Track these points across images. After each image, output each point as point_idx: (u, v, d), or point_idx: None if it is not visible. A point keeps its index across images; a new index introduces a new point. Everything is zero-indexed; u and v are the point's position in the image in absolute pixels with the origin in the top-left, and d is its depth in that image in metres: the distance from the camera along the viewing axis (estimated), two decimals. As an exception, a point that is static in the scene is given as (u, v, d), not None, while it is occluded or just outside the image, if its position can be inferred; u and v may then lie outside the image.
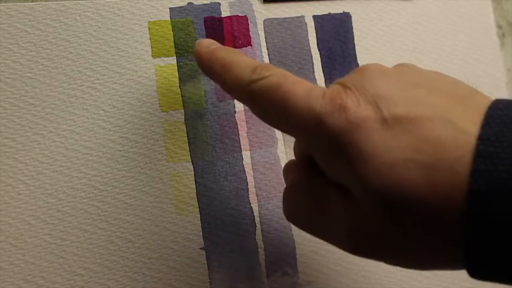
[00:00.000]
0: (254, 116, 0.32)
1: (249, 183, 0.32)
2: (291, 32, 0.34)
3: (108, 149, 0.30)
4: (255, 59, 0.33)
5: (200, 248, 0.30)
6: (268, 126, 0.32)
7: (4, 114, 0.28)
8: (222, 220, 0.31)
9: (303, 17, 0.34)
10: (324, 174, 0.23)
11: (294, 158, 0.28)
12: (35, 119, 0.29)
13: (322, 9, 0.35)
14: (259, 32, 0.33)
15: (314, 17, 0.34)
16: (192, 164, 0.31)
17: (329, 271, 0.32)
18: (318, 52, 0.34)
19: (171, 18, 0.31)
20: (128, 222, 0.29)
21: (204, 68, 0.28)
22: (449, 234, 0.20)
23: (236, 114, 0.32)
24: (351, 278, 0.33)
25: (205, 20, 0.32)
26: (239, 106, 0.32)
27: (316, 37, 0.34)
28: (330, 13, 0.35)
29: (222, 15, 0.32)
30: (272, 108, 0.24)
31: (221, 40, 0.32)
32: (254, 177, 0.32)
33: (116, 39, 0.30)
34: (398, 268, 0.33)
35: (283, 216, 0.31)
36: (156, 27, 0.31)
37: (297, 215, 0.26)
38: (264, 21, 0.33)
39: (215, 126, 0.31)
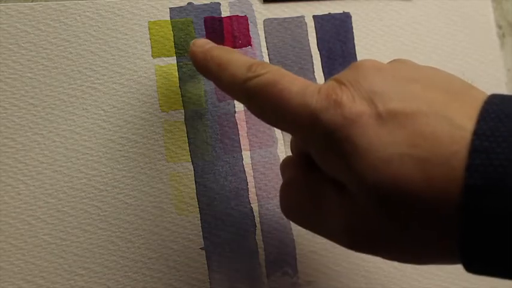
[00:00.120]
0: (254, 116, 0.32)
1: (249, 183, 0.32)
2: (291, 32, 0.34)
3: (108, 149, 0.30)
4: (255, 59, 0.33)
5: (200, 248, 0.30)
6: (268, 126, 0.32)
7: (4, 114, 0.28)
8: (222, 220, 0.31)
9: (303, 17, 0.34)
10: (320, 170, 0.24)
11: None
12: (35, 119, 0.29)
13: (322, 9, 0.35)
14: (259, 32, 0.33)
15: (314, 17, 0.34)
16: (192, 164, 0.31)
17: (329, 271, 0.32)
18: (318, 52, 0.34)
19: (171, 18, 0.31)
20: (128, 222, 0.29)
21: (199, 68, 0.28)
22: (445, 228, 0.20)
23: (236, 114, 0.32)
24: (351, 278, 0.33)
25: (205, 20, 0.32)
26: (239, 106, 0.32)
27: (316, 37, 0.34)
28: (330, 13, 0.35)
29: (222, 15, 0.32)
30: (268, 105, 0.24)
31: (221, 40, 0.32)
32: (254, 177, 0.32)
33: (116, 39, 0.30)
34: (399, 268, 0.33)
35: (283, 216, 0.31)
36: (156, 27, 0.31)
37: (293, 210, 0.26)
38: (264, 21, 0.33)
39: (215, 126, 0.31)
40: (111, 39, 0.30)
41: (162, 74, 0.31)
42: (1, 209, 0.28)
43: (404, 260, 0.23)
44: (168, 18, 0.31)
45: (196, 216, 0.30)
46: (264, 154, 0.32)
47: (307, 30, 0.34)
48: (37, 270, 0.28)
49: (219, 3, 0.32)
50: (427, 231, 0.20)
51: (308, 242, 0.32)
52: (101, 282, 0.29)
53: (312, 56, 0.34)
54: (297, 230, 0.32)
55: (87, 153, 0.29)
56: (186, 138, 0.31)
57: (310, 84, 0.23)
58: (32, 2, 0.30)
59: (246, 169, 0.32)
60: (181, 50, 0.31)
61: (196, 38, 0.32)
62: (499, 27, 0.39)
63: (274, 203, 0.32)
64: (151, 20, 0.31)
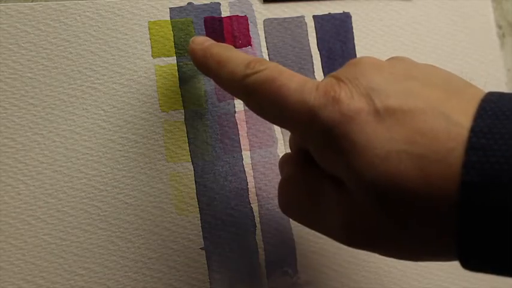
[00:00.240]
0: (254, 116, 0.32)
1: (249, 183, 0.32)
2: (291, 32, 0.34)
3: (108, 149, 0.30)
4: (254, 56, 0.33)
5: (200, 248, 0.30)
6: (268, 126, 0.32)
7: (4, 114, 0.28)
8: (222, 220, 0.31)
9: (303, 17, 0.34)
10: (318, 166, 0.24)
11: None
12: (35, 119, 0.29)
13: (322, 9, 0.35)
14: (259, 32, 0.33)
15: (314, 17, 0.34)
16: (192, 164, 0.31)
17: (329, 271, 0.32)
18: (318, 52, 0.34)
19: (171, 18, 0.31)
20: (128, 222, 0.29)
21: (199, 65, 0.28)
22: (443, 225, 0.20)
23: (236, 114, 0.32)
24: (351, 278, 0.33)
25: (205, 20, 0.32)
26: (239, 106, 0.32)
27: (316, 37, 0.34)
28: (330, 13, 0.35)
29: (222, 15, 0.32)
30: (266, 102, 0.24)
31: (221, 40, 0.32)
32: (254, 177, 0.32)
33: (116, 39, 0.30)
34: (399, 268, 0.33)
35: (284, 216, 0.31)
36: (156, 27, 0.31)
37: (291, 207, 0.26)
38: (264, 21, 0.33)
39: (215, 126, 0.31)
40: (111, 39, 0.30)
41: (162, 74, 0.31)
42: (1, 209, 0.28)
43: (402, 257, 0.23)
44: (168, 18, 0.31)
45: (196, 216, 0.30)
46: (264, 154, 0.32)
47: (307, 30, 0.34)
48: (37, 270, 0.28)
49: (219, 3, 0.32)
50: (425, 228, 0.20)
51: (308, 242, 0.32)
52: (101, 282, 0.29)
53: (312, 56, 0.34)
54: (297, 230, 0.32)
55: (87, 153, 0.29)
56: (186, 138, 0.31)
57: (309, 81, 0.23)
58: (32, 2, 0.30)
59: (246, 169, 0.32)
60: (181, 50, 0.31)
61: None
62: (499, 27, 0.39)
63: (274, 203, 0.32)
64: (151, 20, 0.31)
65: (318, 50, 0.34)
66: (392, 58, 0.25)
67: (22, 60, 0.29)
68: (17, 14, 0.29)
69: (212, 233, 0.31)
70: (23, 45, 0.29)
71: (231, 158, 0.31)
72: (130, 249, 0.29)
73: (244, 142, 0.32)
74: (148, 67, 0.31)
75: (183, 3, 0.32)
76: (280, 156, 0.29)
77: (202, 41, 0.28)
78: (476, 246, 0.19)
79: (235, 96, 0.27)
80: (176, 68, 0.31)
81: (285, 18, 0.34)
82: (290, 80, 0.23)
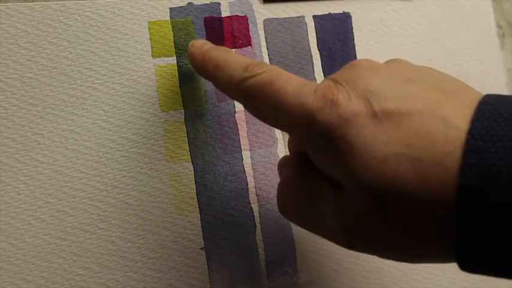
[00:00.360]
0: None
1: (249, 183, 0.32)
2: (291, 32, 0.34)
3: (108, 149, 0.30)
4: (255, 59, 0.33)
5: (200, 248, 0.30)
6: (268, 126, 0.32)
7: (4, 114, 0.28)
8: (222, 220, 0.31)
9: (303, 17, 0.34)
10: (317, 169, 0.24)
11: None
12: (35, 119, 0.29)
13: (322, 9, 0.35)
14: (259, 32, 0.33)
15: (314, 17, 0.34)
16: (192, 164, 0.31)
17: (329, 271, 0.32)
18: (318, 52, 0.34)
19: (171, 18, 0.31)
20: (128, 222, 0.29)
21: (198, 69, 0.28)
22: (441, 227, 0.20)
23: (236, 114, 0.32)
24: (351, 278, 0.33)
25: (205, 20, 0.32)
26: (239, 106, 0.32)
27: (316, 37, 0.34)
28: (330, 13, 0.35)
29: (222, 15, 0.32)
30: (265, 105, 0.24)
31: (221, 40, 0.32)
32: (254, 177, 0.32)
33: (116, 39, 0.30)
34: (399, 268, 0.33)
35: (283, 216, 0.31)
36: (156, 27, 0.31)
37: (290, 209, 0.26)
38: (264, 21, 0.33)
39: (215, 126, 0.31)
40: (111, 39, 0.30)
41: (162, 74, 0.31)
42: (1, 209, 0.28)
43: (401, 259, 0.23)
44: (168, 18, 0.31)
45: (196, 216, 0.30)
46: (264, 154, 0.32)
47: (307, 30, 0.34)
48: (37, 270, 0.28)
49: (219, 3, 0.32)
50: (423, 230, 0.20)
51: (308, 242, 0.32)
52: (101, 282, 0.29)
53: (312, 56, 0.34)
54: (297, 230, 0.32)
55: (87, 153, 0.29)
56: (186, 138, 0.31)
57: (306, 84, 0.23)
58: (32, 2, 0.30)
59: (246, 169, 0.32)
60: (181, 50, 0.31)
61: (196, 38, 0.32)
62: (499, 27, 0.39)
63: (274, 203, 0.32)
64: (151, 20, 0.31)
65: (318, 50, 0.34)
66: (389, 60, 0.25)
67: (22, 60, 0.29)
68: (17, 14, 0.29)
69: (212, 233, 0.31)
70: (23, 45, 0.29)
71: (231, 158, 0.31)
72: (130, 249, 0.29)
73: (244, 142, 0.32)
74: (148, 67, 0.31)
75: (183, 3, 0.32)
76: (280, 156, 0.29)
77: (201, 45, 0.28)
78: (474, 249, 0.19)
79: (234, 99, 0.27)
80: (176, 68, 0.31)
81: (285, 18, 0.34)
82: (288, 83, 0.23)
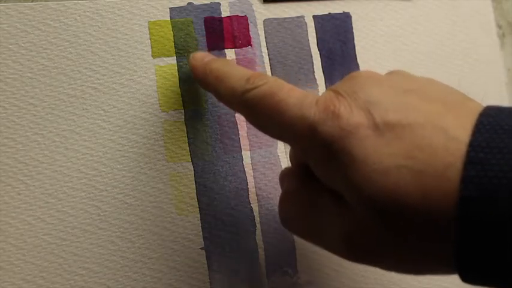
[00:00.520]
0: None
1: (249, 183, 0.32)
2: (291, 32, 0.34)
3: (108, 149, 0.30)
4: (255, 59, 0.33)
5: (200, 248, 0.30)
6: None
7: (4, 114, 0.28)
8: (222, 220, 0.31)
9: (303, 17, 0.34)
10: (318, 180, 0.24)
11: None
12: (35, 119, 0.29)
13: (322, 9, 0.35)
14: (259, 32, 0.33)
15: (314, 17, 0.34)
16: (192, 164, 0.31)
17: (329, 271, 0.32)
18: (318, 52, 0.34)
19: (171, 18, 0.31)
20: (128, 222, 0.29)
21: (199, 82, 0.28)
22: (442, 239, 0.20)
23: (236, 114, 0.32)
24: (351, 278, 0.33)
25: (205, 20, 0.32)
26: (239, 106, 0.32)
27: (316, 37, 0.34)
28: (330, 13, 0.35)
29: (222, 15, 0.32)
30: (266, 117, 0.24)
31: (221, 40, 0.32)
32: (254, 177, 0.32)
33: (116, 39, 0.30)
34: (398, 268, 0.33)
35: (283, 216, 0.31)
36: (156, 27, 0.31)
37: (293, 221, 0.26)
38: (264, 21, 0.33)
39: (215, 126, 0.31)
40: (111, 39, 0.30)
41: (162, 74, 0.31)
42: (1, 209, 0.28)
43: (403, 271, 0.23)
44: (168, 18, 0.31)
45: (196, 216, 0.30)
46: (264, 154, 0.32)
47: (307, 30, 0.34)
48: (37, 270, 0.28)
49: (219, 3, 0.32)
50: (424, 242, 0.20)
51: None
52: (101, 282, 0.29)
53: (312, 56, 0.34)
54: (297, 230, 0.32)
55: (87, 153, 0.29)
56: (186, 138, 0.31)
57: (308, 95, 0.23)
58: (32, 2, 0.30)
59: (246, 169, 0.32)
60: (181, 50, 0.31)
61: (196, 38, 0.32)
62: (499, 27, 0.39)
63: (274, 203, 0.32)
64: (151, 20, 0.31)
65: (318, 50, 0.34)
66: (390, 72, 0.25)
67: (22, 60, 0.29)
68: (17, 14, 0.29)
69: (212, 233, 0.31)
70: (23, 45, 0.29)
71: (231, 158, 0.31)
72: (130, 249, 0.29)
73: (244, 142, 0.32)
74: (148, 67, 0.31)
75: (183, 3, 0.32)
76: (280, 156, 0.29)
77: (202, 57, 0.28)
78: (475, 260, 0.19)
79: (236, 111, 0.27)
80: (176, 68, 0.31)
81: (285, 18, 0.34)
82: (289, 95, 0.23)
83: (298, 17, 0.34)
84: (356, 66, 0.35)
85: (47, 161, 0.29)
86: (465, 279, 0.20)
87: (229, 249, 0.31)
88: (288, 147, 0.32)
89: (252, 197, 0.32)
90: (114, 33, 0.30)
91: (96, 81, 0.30)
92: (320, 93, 0.34)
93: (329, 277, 0.32)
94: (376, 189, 0.20)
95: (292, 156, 0.28)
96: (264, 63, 0.33)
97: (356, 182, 0.21)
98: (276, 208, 0.32)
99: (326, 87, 0.34)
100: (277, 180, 0.32)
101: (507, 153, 0.19)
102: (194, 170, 0.31)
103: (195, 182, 0.31)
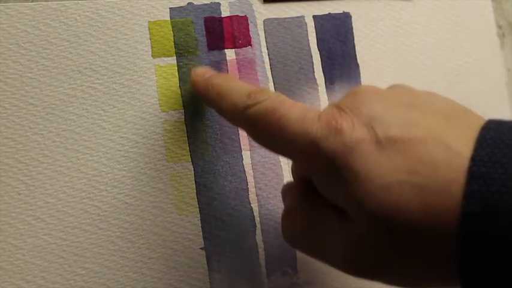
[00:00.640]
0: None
1: (249, 183, 0.32)
2: (291, 32, 0.34)
3: (108, 149, 0.30)
4: (255, 59, 0.33)
5: (200, 248, 0.30)
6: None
7: (4, 114, 0.28)
8: (222, 220, 0.31)
9: (303, 17, 0.34)
10: (321, 195, 0.24)
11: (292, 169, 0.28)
12: (35, 119, 0.29)
13: (322, 9, 0.35)
14: (259, 32, 0.33)
15: (314, 17, 0.34)
16: (192, 164, 0.31)
17: (329, 271, 0.32)
18: (318, 52, 0.34)
19: (171, 18, 0.31)
20: (128, 222, 0.29)
21: (201, 97, 0.28)
22: (446, 255, 0.20)
23: (236, 114, 0.32)
24: (351, 278, 0.33)
25: (205, 20, 0.32)
26: (239, 106, 0.32)
27: (316, 37, 0.34)
28: (330, 13, 0.35)
29: (222, 15, 0.32)
30: (268, 133, 0.24)
31: (221, 40, 0.32)
32: (254, 177, 0.32)
33: (116, 39, 0.30)
34: (398, 268, 0.33)
35: (283, 216, 0.31)
36: (156, 27, 0.31)
37: (296, 237, 0.26)
38: (264, 21, 0.33)
39: (215, 126, 0.31)
40: (111, 39, 0.30)
41: (162, 74, 0.31)
42: (1, 209, 0.28)
43: (405, 285, 0.23)
44: (168, 18, 0.31)
45: (196, 216, 0.30)
46: (264, 154, 0.32)
47: (307, 30, 0.34)
48: (37, 270, 0.28)
49: (219, 3, 0.32)
50: (428, 258, 0.20)
51: (308, 242, 0.32)
52: (101, 282, 0.29)
53: (312, 56, 0.34)
54: (297, 230, 0.32)
55: (87, 153, 0.29)
56: (186, 138, 0.31)
57: (309, 111, 0.23)
58: (32, 2, 0.30)
59: (246, 169, 0.32)
60: (181, 50, 0.31)
61: (196, 38, 0.32)
62: (499, 27, 0.39)
63: (274, 203, 0.32)
64: (151, 20, 0.31)
65: (318, 50, 0.34)
66: (392, 86, 0.25)
67: (22, 60, 0.29)
68: (17, 14, 0.29)
69: (212, 233, 0.31)
70: (23, 45, 0.29)
71: (231, 158, 0.31)
72: (130, 249, 0.29)
73: (244, 142, 0.32)
74: (148, 67, 0.31)
75: (183, 3, 0.32)
76: (280, 157, 0.29)
77: (203, 72, 0.28)
78: (478, 276, 0.19)
79: (238, 127, 0.27)
80: (176, 68, 0.31)
81: (285, 18, 0.34)
82: (291, 111, 0.23)
83: (298, 17, 0.34)
84: (356, 66, 0.35)
85: (47, 161, 0.29)
86: None
87: (229, 249, 0.31)
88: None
89: (252, 197, 0.32)
90: (114, 33, 0.30)
91: (96, 81, 0.30)
92: (320, 94, 0.34)
93: (329, 277, 0.32)
94: (378, 205, 0.20)
95: (294, 171, 0.28)
96: (264, 63, 0.33)
97: (358, 197, 0.21)
98: (276, 208, 0.32)
99: (326, 87, 0.34)
100: (277, 180, 0.32)
101: (509, 168, 0.19)
102: (194, 170, 0.31)
103: (195, 182, 0.31)
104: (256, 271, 0.31)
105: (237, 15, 0.33)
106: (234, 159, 0.32)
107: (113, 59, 0.30)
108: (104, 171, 0.29)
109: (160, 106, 0.31)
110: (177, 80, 0.31)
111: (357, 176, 0.21)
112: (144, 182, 0.30)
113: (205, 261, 0.30)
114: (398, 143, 0.21)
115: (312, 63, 0.34)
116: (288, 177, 0.32)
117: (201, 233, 0.30)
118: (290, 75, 0.33)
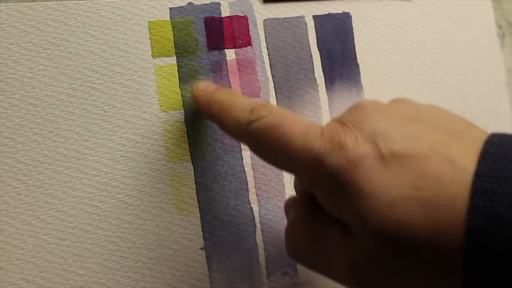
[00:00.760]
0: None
1: (249, 183, 0.32)
2: (291, 32, 0.34)
3: (108, 149, 0.30)
4: (255, 59, 0.33)
5: (200, 248, 0.30)
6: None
7: (4, 114, 0.28)
8: (222, 220, 0.31)
9: (303, 17, 0.34)
10: (325, 210, 0.23)
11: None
12: (35, 119, 0.29)
13: (322, 9, 0.35)
14: (259, 32, 0.33)
15: (314, 17, 0.34)
16: (192, 164, 0.31)
17: (329, 271, 0.32)
18: (318, 52, 0.34)
19: (171, 18, 0.31)
20: (128, 222, 0.29)
21: (203, 112, 0.28)
22: (451, 270, 0.20)
23: (236, 114, 0.32)
24: (351, 278, 0.33)
25: (205, 20, 0.32)
26: (239, 106, 0.32)
27: (316, 37, 0.34)
28: (330, 13, 0.35)
29: (222, 15, 0.32)
30: (270, 148, 0.24)
31: (221, 40, 0.32)
32: (254, 177, 0.32)
33: (116, 39, 0.30)
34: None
35: (284, 216, 0.31)
36: (156, 27, 0.31)
37: (299, 251, 0.26)
38: (264, 21, 0.33)
39: (215, 126, 0.31)
40: (111, 39, 0.30)
41: (162, 74, 0.31)
42: (1, 209, 0.28)
43: None
44: (168, 18, 0.31)
45: (196, 216, 0.30)
46: (264, 154, 0.32)
47: (307, 30, 0.34)
48: (37, 270, 0.28)
49: (219, 3, 0.32)
50: (432, 272, 0.20)
51: (308, 242, 0.32)
52: (101, 282, 0.29)
53: (312, 56, 0.34)
54: (297, 230, 0.32)
55: (87, 153, 0.29)
56: (186, 138, 0.31)
57: (312, 126, 0.23)
58: (32, 2, 0.30)
59: (246, 169, 0.32)
60: (181, 50, 0.31)
61: (196, 38, 0.32)
62: (499, 27, 0.39)
63: (274, 203, 0.32)
64: (151, 20, 0.31)
65: (318, 50, 0.34)
66: (394, 100, 0.25)
67: (22, 60, 0.29)
68: (17, 14, 0.29)
69: (212, 233, 0.31)
70: (23, 45, 0.29)
71: (231, 158, 0.31)
72: (130, 249, 0.29)
73: (244, 142, 0.32)
74: (148, 67, 0.31)
75: (183, 3, 0.32)
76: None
77: (204, 87, 0.28)
78: None
79: (241, 142, 0.27)
80: (176, 68, 0.31)
81: (285, 18, 0.34)
82: (294, 127, 0.23)
83: (298, 17, 0.34)
84: (356, 66, 0.35)
85: (47, 161, 0.29)
86: None
87: (229, 249, 0.31)
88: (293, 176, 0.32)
89: (252, 197, 0.32)
90: (114, 33, 0.30)
91: (96, 81, 0.30)
92: (320, 94, 0.34)
93: (329, 277, 0.32)
94: (383, 221, 0.20)
95: (297, 186, 0.28)
96: (264, 63, 0.33)
97: (363, 214, 0.21)
98: (276, 208, 0.32)
99: (326, 87, 0.34)
100: (277, 180, 0.32)
101: None
102: (194, 170, 0.31)
103: (195, 182, 0.31)
104: (256, 271, 0.31)
105: (237, 15, 0.33)
106: (234, 159, 0.32)
107: (113, 59, 0.30)
108: (104, 171, 0.29)
109: (160, 106, 0.31)
110: (177, 80, 0.31)
111: (360, 192, 0.21)
112: (144, 182, 0.30)
113: (205, 261, 0.30)
114: (402, 159, 0.21)
115: (312, 63, 0.34)
116: (287, 177, 0.32)
117: (201, 233, 0.30)
118: (290, 75, 0.33)
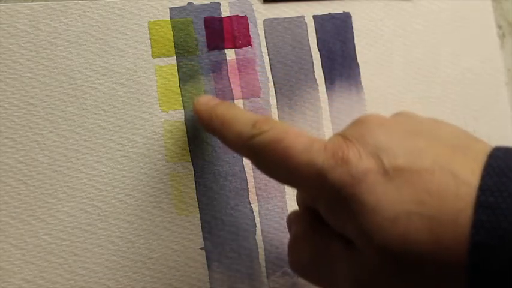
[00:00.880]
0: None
1: (249, 183, 0.32)
2: (291, 32, 0.34)
3: (108, 149, 0.30)
4: (255, 59, 0.33)
5: (200, 248, 0.30)
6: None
7: (4, 114, 0.28)
8: (222, 220, 0.31)
9: (303, 17, 0.34)
10: (328, 225, 0.23)
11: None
12: (35, 119, 0.29)
13: (322, 9, 0.35)
14: (259, 32, 0.33)
15: (314, 17, 0.34)
16: (192, 164, 0.31)
17: (329, 271, 0.32)
18: (318, 52, 0.34)
19: (171, 18, 0.31)
20: (128, 222, 0.29)
21: (205, 126, 0.28)
22: (454, 286, 0.20)
23: (236, 114, 0.32)
24: (351, 278, 0.33)
25: (205, 20, 0.32)
26: (239, 106, 0.32)
27: (316, 37, 0.34)
28: (330, 13, 0.35)
29: (222, 15, 0.32)
30: (273, 163, 0.24)
31: (221, 40, 0.32)
32: (254, 177, 0.32)
33: (116, 39, 0.30)
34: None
35: (283, 216, 0.31)
36: (156, 27, 0.31)
37: (302, 266, 0.25)
38: (264, 21, 0.33)
39: (215, 126, 0.31)
40: (111, 39, 0.30)
41: (162, 74, 0.31)
42: (1, 209, 0.28)
43: None
44: (168, 18, 0.31)
45: (196, 216, 0.30)
46: (264, 154, 0.32)
47: (307, 30, 0.34)
48: (37, 270, 0.28)
49: (219, 3, 0.32)
50: (436, 287, 0.20)
51: (308, 242, 0.32)
52: (101, 282, 0.29)
53: (312, 56, 0.34)
54: (297, 230, 0.32)
55: (87, 153, 0.29)
56: (186, 138, 0.31)
57: (315, 141, 0.23)
58: (32, 2, 0.30)
59: (246, 169, 0.32)
60: (181, 50, 0.31)
61: (196, 38, 0.32)
62: (499, 27, 0.39)
63: (274, 203, 0.32)
64: (151, 20, 0.31)
65: (318, 50, 0.34)
66: (397, 114, 0.25)
67: (22, 60, 0.29)
68: (17, 14, 0.29)
69: (212, 233, 0.31)
70: (23, 45, 0.29)
71: (231, 158, 0.31)
72: (130, 249, 0.29)
73: (244, 142, 0.32)
74: (148, 67, 0.31)
75: (183, 3, 0.32)
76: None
77: (206, 102, 0.28)
78: None
79: (243, 156, 0.27)
80: (176, 68, 0.31)
81: (285, 18, 0.34)
82: (296, 141, 0.23)
83: (298, 17, 0.34)
84: (356, 66, 0.35)
85: (47, 161, 0.29)
86: None
87: (229, 249, 0.31)
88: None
89: (252, 197, 0.32)
90: (114, 33, 0.30)
91: (96, 81, 0.30)
92: (320, 94, 0.34)
93: (329, 277, 0.32)
94: (386, 237, 0.20)
95: (300, 200, 0.27)
96: (264, 63, 0.33)
97: (366, 229, 0.21)
98: (276, 208, 0.32)
99: (326, 87, 0.34)
100: (277, 180, 0.32)
101: None
102: (194, 170, 0.31)
103: (195, 182, 0.31)
104: (256, 271, 0.31)
105: (237, 15, 0.33)
106: (234, 159, 0.32)
107: (113, 59, 0.30)
108: (104, 171, 0.29)
109: (160, 106, 0.31)
110: (177, 80, 0.31)
111: (364, 207, 0.21)
112: (144, 182, 0.30)
113: (205, 261, 0.30)
114: (405, 173, 0.21)
115: (312, 63, 0.34)
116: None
117: (201, 233, 0.30)
118: (290, 75, 0.33)
